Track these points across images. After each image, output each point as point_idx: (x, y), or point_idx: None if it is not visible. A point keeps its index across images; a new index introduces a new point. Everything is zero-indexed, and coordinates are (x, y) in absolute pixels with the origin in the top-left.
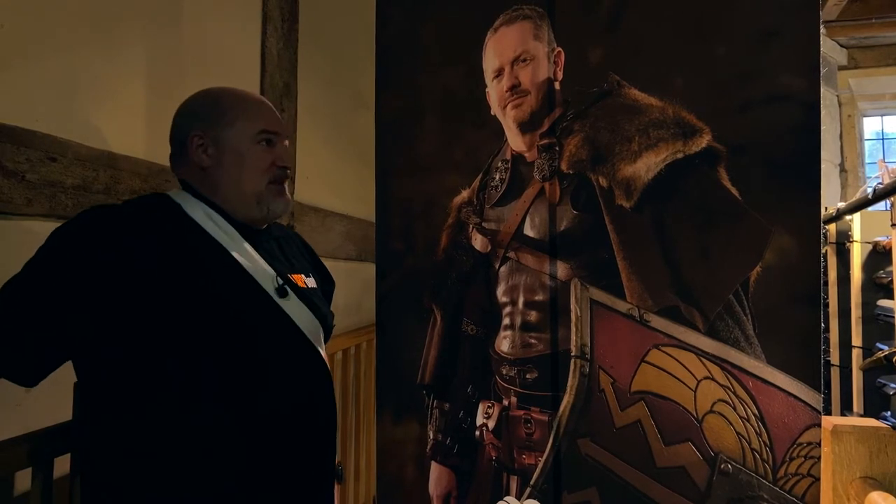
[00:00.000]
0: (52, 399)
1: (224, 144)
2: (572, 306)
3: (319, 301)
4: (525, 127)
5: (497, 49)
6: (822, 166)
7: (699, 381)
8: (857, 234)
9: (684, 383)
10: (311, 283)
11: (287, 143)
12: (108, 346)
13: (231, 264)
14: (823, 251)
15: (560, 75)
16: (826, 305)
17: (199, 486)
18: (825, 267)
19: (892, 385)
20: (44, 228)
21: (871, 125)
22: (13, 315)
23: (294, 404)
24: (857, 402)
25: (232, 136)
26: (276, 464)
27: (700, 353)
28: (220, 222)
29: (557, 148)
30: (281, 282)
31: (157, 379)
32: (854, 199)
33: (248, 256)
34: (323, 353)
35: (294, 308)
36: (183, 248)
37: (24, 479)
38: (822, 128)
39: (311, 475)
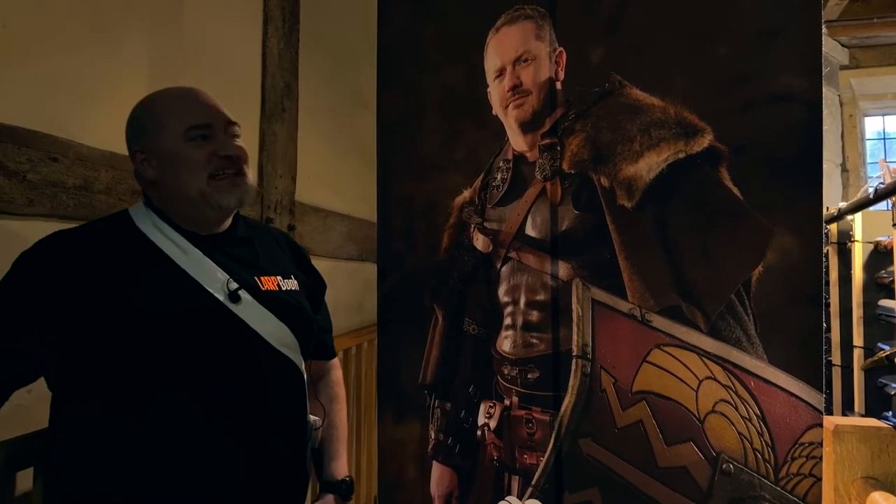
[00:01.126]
0: None
1: (161, 153)
2: (574, 306)
3: (296, 303)
4: (527, 127)
5: (499, 49)
6: (824, 166)
7: (701, 381)
8: (858, 233)
9: (686, 383)
10: (289, 284)
11: (235, 129)
12: (67, 364)
13: (177, 274)
14: (825, 251)
15: (561, 75)
16: (827, 305)
17: (158, 491)
18: (827, 267)
19: (894, 385)
20: (45, 228)
21: (872, 125)
22: None
23: (256, 410)
24: (859, 402)
25: (164, 141)
26: (235, 462)
27: (702, 353)
28: (167, 231)
29: (559, 148)
30: (234, 287)
31: (113, 390)
32: (855, 198)
33: (196, 263)
34: (292, 354)
35: (251, 313)
36: (130, 262)
37: (25, 479)
38: (824, 127)
39: (273, 476)
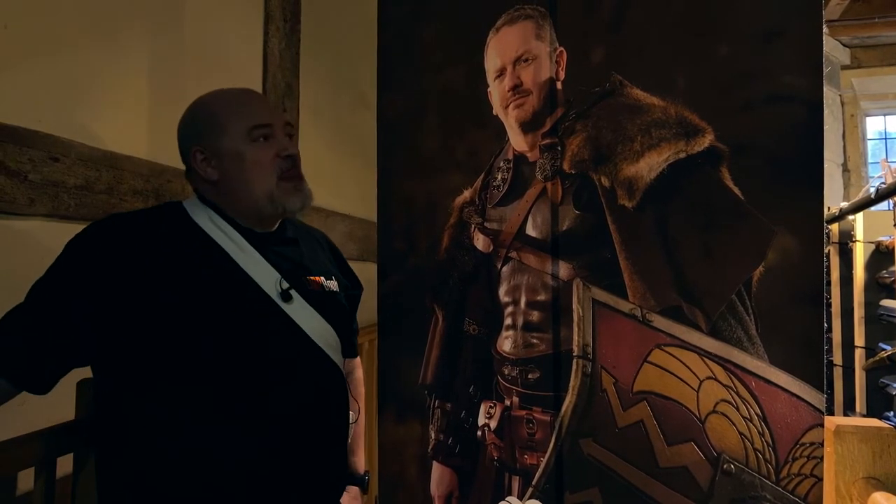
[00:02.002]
0: (55, 399)
1: (223, 153)
2: (574, 306)
3: (338, 305)
4: (527, 127)
5: (499, 49)
6: (825, 166)
7: (702, 381)
8: (859, 233)
9: (687, 383)
10: (332, 285)
11: (291, 129)
12: (116, 349)
13: (232, 269)
14: (826, 251)
15: (562, 75)
16: (829, 305)
17: (204, 488)
18: (828, 267)
19: (895, 385)
20: (46, 228)
21: (873, 125)
22: (25, 324)
23: (301, 409)
24: (860, 403)
25: (227, 142)
26: (280, 464)
27: (703, 353)
28: (224, 227)
29: (559, 148)
30: (286, 286)
31: (162, 380)
32: (857, 198)
33: (251, 261)
34: (336, 356)
35: (300, 312)
36: (185, 252)
37: (26, 479)
38: (825, 127)
39: (315, 478)
